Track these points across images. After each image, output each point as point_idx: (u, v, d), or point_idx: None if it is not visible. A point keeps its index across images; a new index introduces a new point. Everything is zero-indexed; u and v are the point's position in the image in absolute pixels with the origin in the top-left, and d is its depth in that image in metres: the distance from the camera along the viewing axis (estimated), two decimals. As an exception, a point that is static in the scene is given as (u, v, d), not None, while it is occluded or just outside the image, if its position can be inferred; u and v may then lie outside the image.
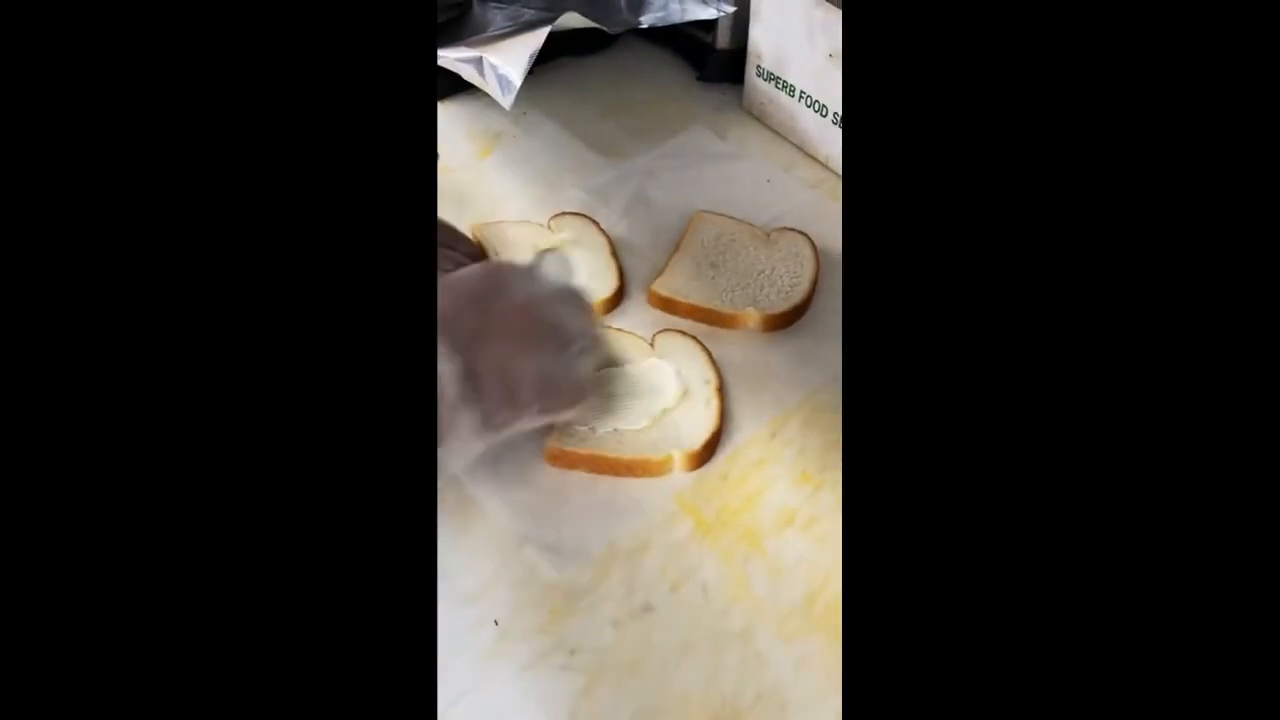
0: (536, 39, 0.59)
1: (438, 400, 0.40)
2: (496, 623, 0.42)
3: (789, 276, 0.56)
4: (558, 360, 0.44)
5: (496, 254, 0.57)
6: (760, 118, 0.69)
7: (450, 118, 0.69)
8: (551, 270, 0.47)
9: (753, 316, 0.54)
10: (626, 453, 0.47)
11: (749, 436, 0.50)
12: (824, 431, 0.50)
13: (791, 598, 0.43)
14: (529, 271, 0.46)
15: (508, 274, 0.46)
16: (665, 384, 0.51)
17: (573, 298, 0.47)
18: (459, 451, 0.42)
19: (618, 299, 0.56)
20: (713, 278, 0.56)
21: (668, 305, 0.55)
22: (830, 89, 0.63)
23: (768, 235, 0.59)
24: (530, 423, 0.44)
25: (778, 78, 0.66)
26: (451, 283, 0.45)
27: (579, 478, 0.47)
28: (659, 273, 0.57)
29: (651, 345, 0.53)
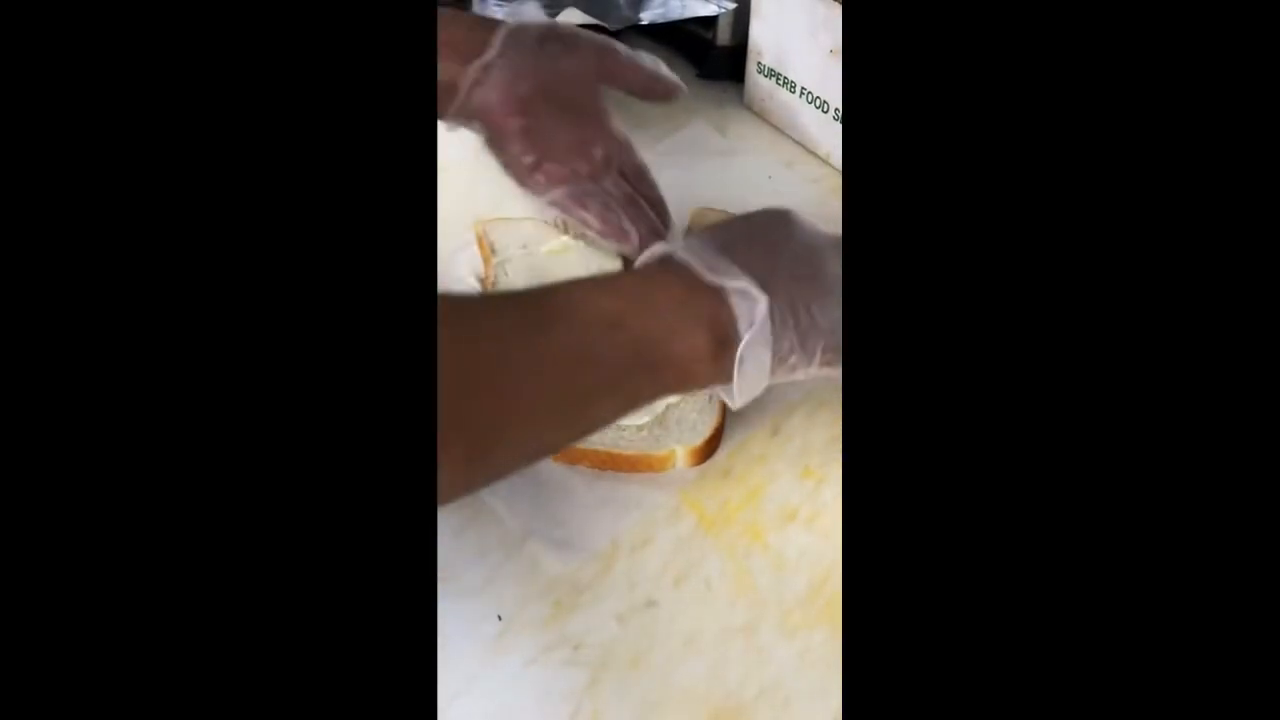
0: (537, 36, 0.59)
1: (739, 337, 0.39)
2: (500, 618, 0.42)
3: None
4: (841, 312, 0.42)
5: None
6: (761, 114, 0.69)
7: (451, 115, 0.68)
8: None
9: (754, 312, 0.54)
10: (629, 448, 0.47)
11: (751, 432, 0.50)
12: (826, 427, 0.50)
13: (794, 592, 0.43)
14: (802, 219, 0.45)
15: (789, 217, 0.45)
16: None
17: None
18: (746, 389, 0.41)
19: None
20: (714, 274, 0.56)
21: (669, 301, 0.55)
22: (831, 85, 0.63)
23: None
24: (813, 371, 0.43)
25: (778, 74, 0.66)
26: (742, 220, 0.44)
27: (582, 473, 0.47)
28: (660, 269, 0.57)
29: (653, 341, 0.53)
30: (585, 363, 0.37)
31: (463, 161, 0.64)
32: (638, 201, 0.55)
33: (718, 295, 0.40)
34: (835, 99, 0.63)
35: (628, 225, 0.54)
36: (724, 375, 0.40)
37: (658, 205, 0.57)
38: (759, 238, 0.43)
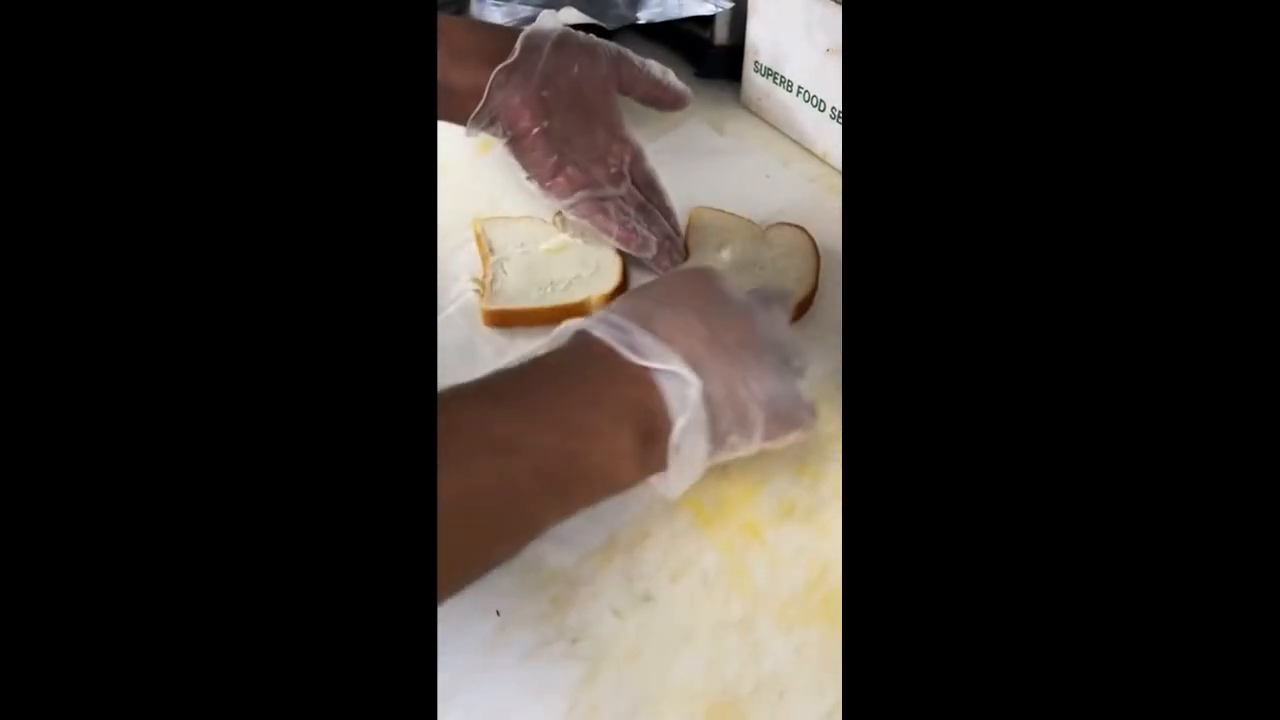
0: (535, 35, 0.60)
1: (672, 424, 0.37)
2: (498, 613, 0.42)
3: (789, 272, 0.57)
4: (782, 380, 0.41)
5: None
6: (758, 113, 0.70)
7: (450, 113, 0.69)
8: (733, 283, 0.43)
9: (752, 311, 0.54)
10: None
11: (748, 429, 0.50)
12: (824, 424, 0.50)
13: (791, 587, 0.44)
14: (730, 280, 0.43)
15: (712, 276, 0.43)
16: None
17: (777, 306, 0.45)
18: (684, 475, 0.40)
19: (620, 293, 0.56)
20: (711, 272, 0.56)
21: (667, 299, 0.55)
22: (828, 84, 0.63)
23: (766, 230, 0.59)
24: (756, 446, 0.41)
25: (775, 73, 0.66)
26: (663, 285, 0.42)
27: (580, 470, 0.47)
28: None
29: (651, 339, 0.53)
30: (470, 501, 0.33)
31: (462, 161, 0.64)
32: (650, 209, 0.56)
33: (644, 379, 0.37)
34: (832, 98, 0.63)
35: (645, 233, 0.55)
36: (656, 466, 0.38)
37: (669, 214, 0.57)
38: (683, 305, 0.40)
